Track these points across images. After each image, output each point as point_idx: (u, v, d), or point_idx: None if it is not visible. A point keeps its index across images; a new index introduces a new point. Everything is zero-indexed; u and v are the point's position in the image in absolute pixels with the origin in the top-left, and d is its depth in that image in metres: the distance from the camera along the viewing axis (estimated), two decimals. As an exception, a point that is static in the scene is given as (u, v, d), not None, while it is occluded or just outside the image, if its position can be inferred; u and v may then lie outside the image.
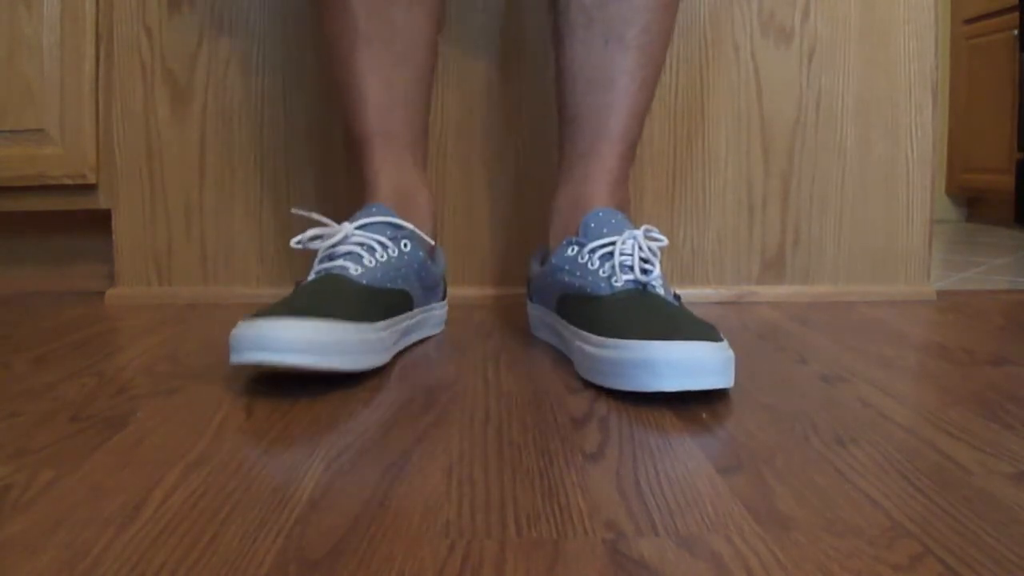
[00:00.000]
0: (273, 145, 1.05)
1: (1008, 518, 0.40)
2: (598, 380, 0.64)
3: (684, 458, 0.49)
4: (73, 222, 1.12)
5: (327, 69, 0.83)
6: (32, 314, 0.97)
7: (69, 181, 1.04)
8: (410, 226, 0.77)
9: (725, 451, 0.50)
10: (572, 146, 0.80)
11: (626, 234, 0.71)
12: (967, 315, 0.95)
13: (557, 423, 0.56)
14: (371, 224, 0.75)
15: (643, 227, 0.72)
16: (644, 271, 0.69)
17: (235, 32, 1.04)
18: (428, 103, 0.85)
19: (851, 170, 1.06)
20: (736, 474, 0.46)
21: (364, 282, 0.70)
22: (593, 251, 0.71)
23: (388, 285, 0.73)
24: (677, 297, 0.71)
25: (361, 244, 0.73)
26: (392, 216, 0.76)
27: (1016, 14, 2.48)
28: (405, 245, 0.76)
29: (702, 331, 0.61)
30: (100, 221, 1.10)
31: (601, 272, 0.70)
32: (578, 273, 0.72)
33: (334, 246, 0.73)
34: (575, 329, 0.70)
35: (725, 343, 0.61)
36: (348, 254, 0.72)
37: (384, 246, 0.74)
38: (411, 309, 0.77)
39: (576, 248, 0.73)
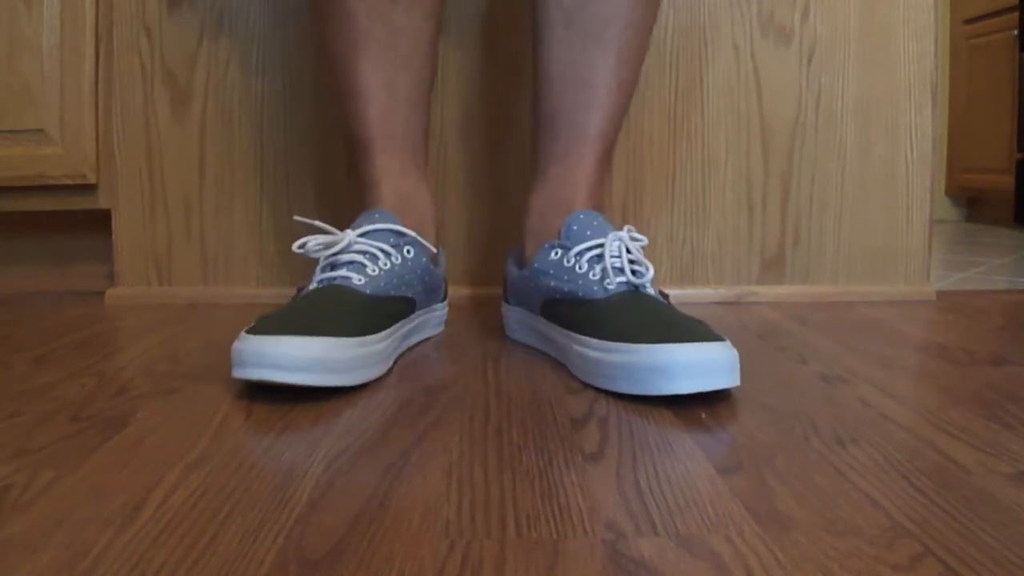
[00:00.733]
0: (273, 145, 1.05)
1: (1008, 518, 0.40)
2: (604, 384, 0.64)
3: (684, 458, 0.49)
4: (73, 222, 1.13)
5: (326, 73, 0.82)
6: (32, 314, 0.97)
7: (69, 181, 1.04)
8: (412, 233, 0.76)
9: (725, 451, 0.50)
10: (549, 146, 0.79)
11: (611, 236, 0.70)
12: (967, 315, 0.95)
13: (557, 423, 0.56)
14: (374, 231, 0.74)
15: (625, 227, 0.72)
16: (635, 273, 0.70)
17: (235, 32, 1.04)
18: (429, 105, 0.85)
19: (851, 170, 1.06)
20: (736, 474, 0.46)
21: (368, 292, 0.70)
22: (580, 254, 0.71)
23: (392, 293, 0.72)
24: (665, 296, 0.71)
25: (364, 252, 0.72)
26: (395, 223, 0.75)
27: (1016, 14, 2.48)
28: (408, 251, 0.75)
29: (706, 332, 0.61)
30: (100, 221, 1.10)
31: (591, 275, 0.70)
32: (565, 277, 0.71)
33: (336, 254, 0.72)
34: (569, 333, 0.69)
35: (728, 342, 0.61)
36: (351, 263, 0.71)
37: (387, 254, 0.73)
38: (413, 312, 0.77)
39: (560, 252, 0.73)
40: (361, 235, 0.73)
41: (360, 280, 0.70)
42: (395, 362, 0.72)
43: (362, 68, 0.78)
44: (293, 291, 1.06)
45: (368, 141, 0.80)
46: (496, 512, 0.41)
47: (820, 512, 0.41)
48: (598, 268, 0.70)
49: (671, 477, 0.46)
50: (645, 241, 0.72)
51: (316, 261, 0.74)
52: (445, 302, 0.87)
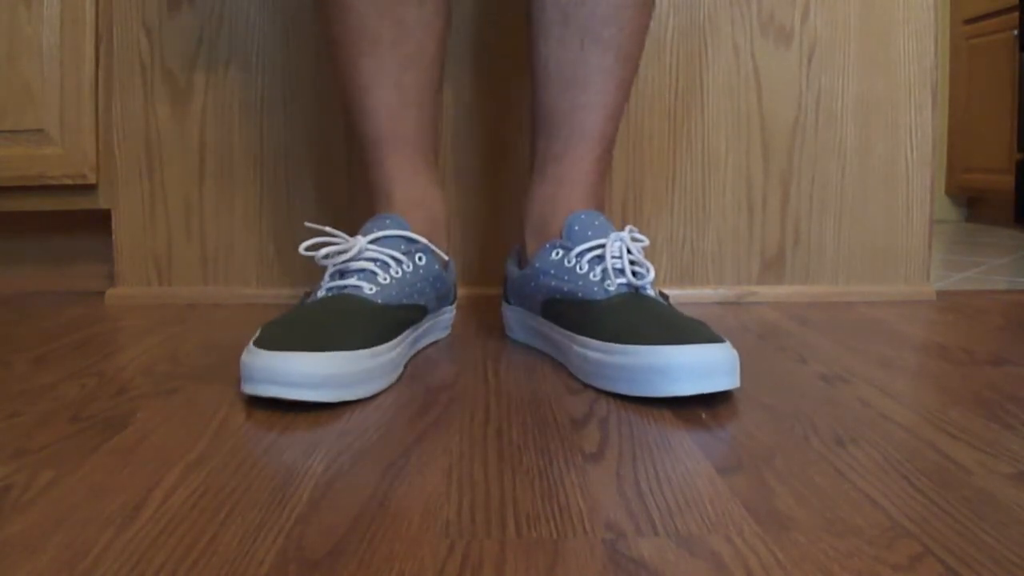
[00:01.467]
0: (273, 145, 1.05)
1: (1008, 518, 0.40)
2: (605, 385, 0.63)
3: (684, 458, 0.49)
4: (73, 222, 1.13)
5: (333, 72, 0.81)
6: (32, 314, 0.97)
7: (69, 181, 1.04)
8: (424, 240, 0.75)
9: (725, 451, 0.50)
10: (547, 146, 0.79)
11: (612, 236, 0.70)
12: (967, 315, 0.95)
13: (557, 423, 0.56)
14: (384, 238, 0.72)
15: (627, 228, 0.72)
16: (636, 274, 0.70)
17: (235, 32, 1.04)
18: (440, 103, 0.83)
19: (851, 170, 1.06)
20: (736, 474, 0.46)
21: (379, 301, 0.68)
22: (581, 255, 0.71)
23: (404, 301, 0.71)
24: (665, 297, 0.71)
25: (375, 260, 0.71)
26: (406, 229, 0.74)
27: (1016, 14, 2.48)
28: (420, 258, 0.74)
29: (706, 334, 0.61)
30: (100, 221, 1.10)
31: (592, 276, 0.70)
32: (566, 277, 0.71)
33: (346, 261, 0.70)
34: (571, 334, 0.69)
35: (728, 344, 0.61)
36: (361, 271, 0.70)
37: (399, 261, 0.72)
38: (424, 318, 0.76)
39: (561, 252, 0.73)
40: (372, 242, 0.71)
41: (371, 289, 0.69)
42: (405, 368, 0.72)
43: (370, 66, 0.77)
44: (292, 291, 1.06)
45: (378, 142, 0.79)
46: (496, 512, 0.41)
47: (820, 512, 0.41)
48: (599, 269, 0.70)
49: (671, 477, 0.46)
50: (646, 242, 0.72)
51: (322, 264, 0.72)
52: (453, 305, 0.86)
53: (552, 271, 0.73)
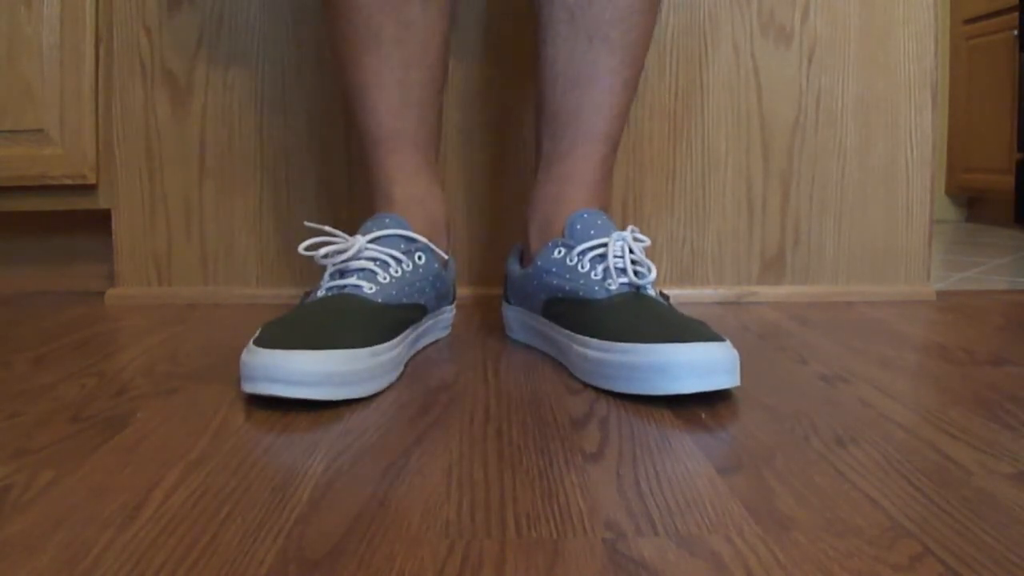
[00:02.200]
0: (273, 145, 1.05)
1: (1008, 518, 0.40)
2: (604, 384, 0.63)
3: (684, 458, 0.49)
4: (73, 222, 1.13)
5: (336, 70, 0.81)
6: (32, 314, 0.97)
7: (69, 181, 1.04)
8: (423, 239, 0.75)
9: (725, 451, 0.50)
10: (553, 145, 0.79)
11: (615, 236, 0.71)
12: (967, 315, 0.95)
13: (557, 423, 0.56)
14: (384, 237, 0.72)
15: (628, 228, 0.72)
16: (637, 274, 0.70)
17: (235, 32, 1.04)
18: (441, 103, 0.83)
19: (851, 170, 1.06)
20: (736, 474, 0.46)
21: (379, 300, 0.68)
22: (583, 253, 0.71)
23: (404, 300, 0.71)
24: (665, 297, 0.72)
25: (375, 259, 0.71)
26: (406, 228, 0.74)
27: (1016, 14, 2.48)
28: (420, 257, 0.74)
29: (706, 332, 0.61)
30: (100, 221, 1.10)
31: (593, 275, 0.70)
32: (568, 276, 0.71)
33: (346, 261, 0.70)
34: (570, 333, 0.69)
35: (729, 343, 0.61)
36: (361, 271, 0.70)
37: (398, 260, 0.72)
38: (424, 318, 0.76)
39: (563, 250, 0.73)
40: (371, 241, 0.71)
41: (371, 288, 0.69)
42: (405, 367, 0.72)
43: (374, 65, 0.76)
44: (292, 291, 1.06)
45: (379, 140, 0.79)
46: (496, 512, 0.41)
47: (820, 512, 0.41)
48: (600, 268, 0.70)
49: (671, 477, 0.46)
50: (648, 242, 0.72)
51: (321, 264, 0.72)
52: (453, 304, 0.86)
53: (554, 269, 0.73)
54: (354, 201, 1.05)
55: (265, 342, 0.59)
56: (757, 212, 1.06)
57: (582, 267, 0.71)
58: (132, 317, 0.96)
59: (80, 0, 1.03)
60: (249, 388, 0.58)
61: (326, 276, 0.71)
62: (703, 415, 0.57)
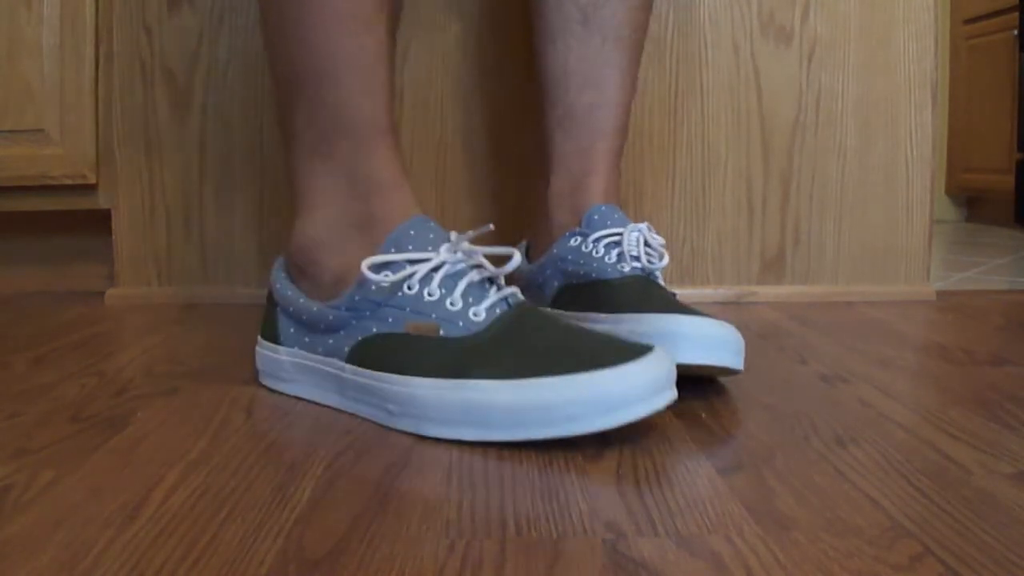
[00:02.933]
0: (273, 145, 1.05)
1: (1008, 518, 0.40)
2: None
3: (684, 458, 0.49)
4: (73, 222, 1.12)
5: (294, 52, 0.64)
6: (32, 314, 0.97)
7: (69, 181, 1.04)
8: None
9: (725, 451, 0.50)
10: (565, 144, 0.80)
11: (631, 227, 0.73)
12: (967, 315, 0.95)
13: (557, 423, 0.56)
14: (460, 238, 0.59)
15: (644, 223, 0.74)
16: (649, 260, 0.72)
17: (235, 32, 1.04)
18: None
19: (851, 170, 1.06)
20: (736, 474, 0.46)
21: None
22: (598, 240, 0.73)
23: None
24: (672, 294, 0.73)
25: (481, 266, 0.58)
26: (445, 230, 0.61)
27: (1016, 14, 2.48)
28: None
29: (712, 317, 0.63)
30: (100, 221, 1.10)
31: (607, 259, 0.72)
32: (582, 261, 0.73)
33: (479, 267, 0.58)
34: (583, 314, 0.71)
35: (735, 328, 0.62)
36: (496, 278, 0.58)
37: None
38: None
39: (579, 239, 0.74)
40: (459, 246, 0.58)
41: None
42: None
43: (373, 44, 0.63)
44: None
45: (385, 130, 0.64)
46: (496, 512, 0.41)
47: (820, 512, 0.41)
48: (615, 253, 0.72)
49: (671, 477, 0.46)
50: (662, 241, 0.74)
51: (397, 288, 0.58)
52: None
53: (569, 256, 0.74)
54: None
55: (580, 368, 0.50)
56: (757, 212, 1.06)
57: (597, 252, 0.73)
58: (132, 317, 0.96)
59: (80, 0, 1.03)
60: (603, 424, 0.49)
61: (464, 288, 0.56)
62: (703, 415, 0.57)
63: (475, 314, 0.55)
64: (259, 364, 0.65)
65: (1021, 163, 2.47)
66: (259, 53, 1.04)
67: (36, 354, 0.76)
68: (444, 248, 0.57)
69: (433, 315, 0.55)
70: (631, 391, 0.49)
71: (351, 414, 0.58)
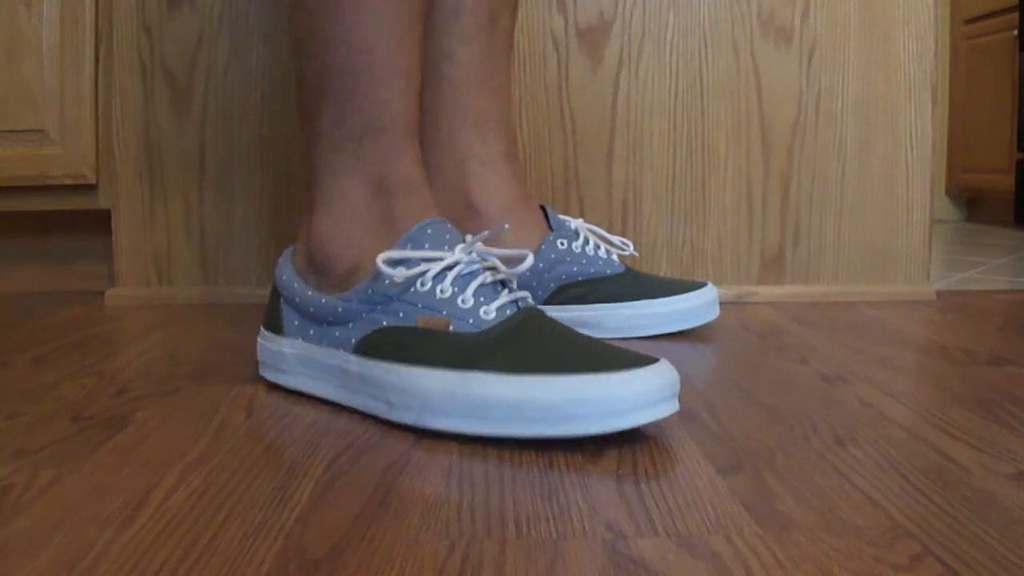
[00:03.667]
0: (274, 145, 1.05)
1: (1008, 518, 0.40)
2: (646, 332, 0.81)
3: (684, 458, 0.49)
4: (73, 222, 1.13)
5: (333, 46, 0.62)
6: (32, 314, 0.97)
7: (69, 181, 1.04)
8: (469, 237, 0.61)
9: (725, 451, 0.50)
10: (488, 147, 0.83)
11: (578, 223, 0.85)
12: (967, 315, 0.95)
13: (557, 423, 0.56)
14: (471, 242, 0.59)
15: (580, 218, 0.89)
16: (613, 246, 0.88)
17: (235, 32, 1.04)
18: None
19: (851, 170, 1.06)
20: (736, 474, 0.46)
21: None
22: (586, 240, 0.84)
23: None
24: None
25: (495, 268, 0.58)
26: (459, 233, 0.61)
27: (1016, 14, 2.48)
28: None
29: None
30: (100, 221, 1.10)
31: (601, 255, 0.84)
32: (584, 261, 0.82)
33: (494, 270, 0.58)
34: (596, 306, 0.81)
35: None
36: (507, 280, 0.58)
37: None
38: None
39: (565, 242, 0.83)
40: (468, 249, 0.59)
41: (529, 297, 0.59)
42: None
43: (413, 46, 0.63)
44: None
45: (407, 126, 0.64)
46: (496, 512, 0.41)
47: (820, 512, 0.41)
48: (603, 249, 0.84)
49: (671, 477, 0.46)
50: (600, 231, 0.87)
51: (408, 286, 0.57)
52: None
53: (568, 259, 0.83)
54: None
55: (578, 370, 0.50)
56: (757, 212, 1.06)
57: (589, 251, 0.83)
58: (132, 317, 0.96)
59: (80, 0, 1.03)
60: (616, 425, 0.49)
61: (476, 290, 0.56)
62: (703, 415, 0.57)
63: (486, 312, 0.55)
64: (260, 356, 0.65)
65: (1021, 163, 2.47)
66: (259, 53, 1.04)
67: (36, 354, 0.76)
68: (459, 248, 0.57)
69: (444, 311, 0.55)
70: (633, 397, 0.49)
71: (351, 414, 0.58)
